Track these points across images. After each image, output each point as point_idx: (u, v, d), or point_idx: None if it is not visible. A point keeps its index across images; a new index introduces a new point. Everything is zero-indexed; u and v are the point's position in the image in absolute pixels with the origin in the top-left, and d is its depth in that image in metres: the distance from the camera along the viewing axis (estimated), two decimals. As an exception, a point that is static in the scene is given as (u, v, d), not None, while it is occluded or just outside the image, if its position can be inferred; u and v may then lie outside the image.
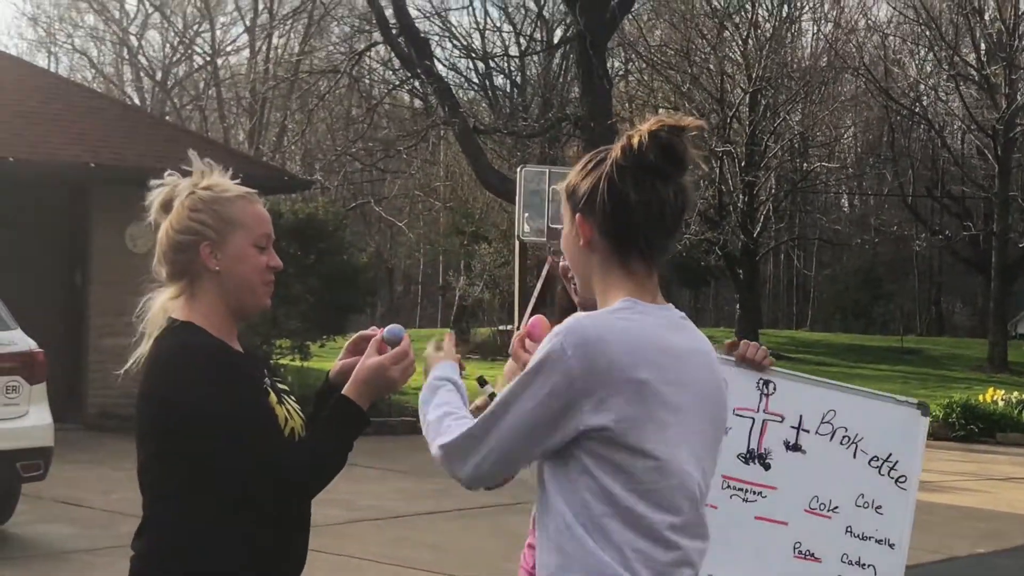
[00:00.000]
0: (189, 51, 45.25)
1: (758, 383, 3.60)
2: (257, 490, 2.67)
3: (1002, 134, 32.71)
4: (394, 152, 31.94)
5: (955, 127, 41.21)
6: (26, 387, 8.90)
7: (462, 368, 2.74)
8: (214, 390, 2.66)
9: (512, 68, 38.67)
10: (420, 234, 39.30)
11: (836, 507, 3.54)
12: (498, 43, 39.40)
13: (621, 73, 37.07)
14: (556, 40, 35.38)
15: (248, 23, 43.73)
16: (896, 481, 3.48)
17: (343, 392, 2.80)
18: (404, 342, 2.84)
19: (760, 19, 34.58)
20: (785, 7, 35.67)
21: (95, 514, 10.02)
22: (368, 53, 32.78)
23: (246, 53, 44.41)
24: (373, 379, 2.80)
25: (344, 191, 39.50)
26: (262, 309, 2.89)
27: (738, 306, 35.10)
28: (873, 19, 39.54)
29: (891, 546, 3.43)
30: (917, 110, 38.01)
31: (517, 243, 18.41)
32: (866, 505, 3.48)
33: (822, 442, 3.56)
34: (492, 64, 37.31)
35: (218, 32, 44.52)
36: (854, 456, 3.49)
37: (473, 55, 36.45)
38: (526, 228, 16.91)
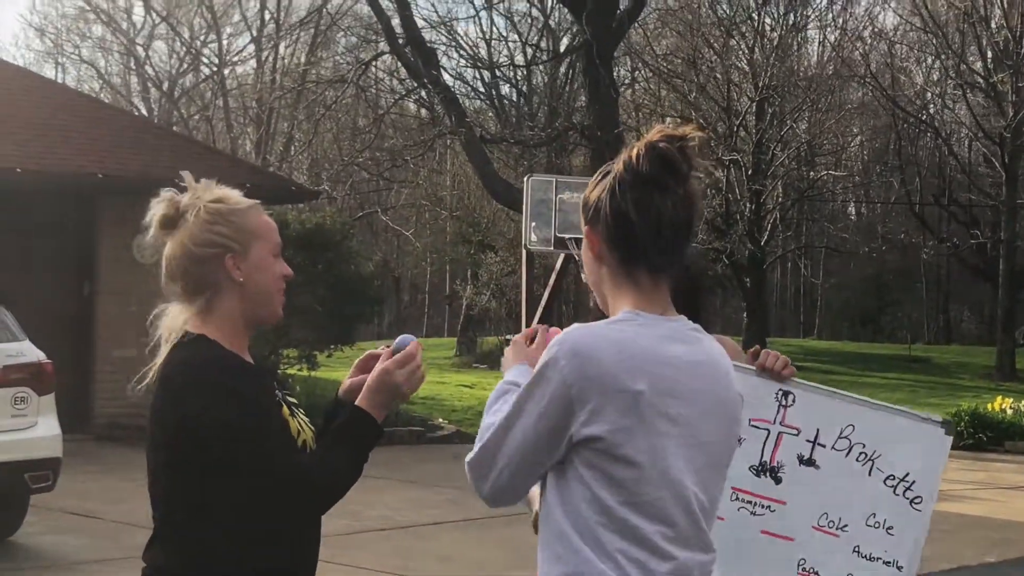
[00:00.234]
0: (196, 61, 45.35)
1: (777, 394, 3.53)
2: (272, 503, 2.67)
3: (1009, 142, 32.68)
4: (401, 161, 31.94)
5: (962, 135, 41.19)
6: (35, 398, 8.91)
7: None
8: (230, 403, 2.66)
9: (518, 77, 38.69)
10: (427, 243, 39.29)
11: (845, 525, 3.47)
12: (504, 53, 39.44)
13: (628, 82, 37.10)
14: (562, 49, 35.41)
15: (255, 33, 43.83)
16: (911, 502, 3.40)
17: (355, 403, 2.79)
18: (410, 347, 2.82)
19: (766, 27, 34.60)
20: (791, 15, 35.67)
21: (104, 525, 10.03)
22: (375, 63, 32.85)
23: (253, 63, 44.51)
24: (379, 386, 2.79)
25: (351, 200, 39.53)
26: (277, 319, 2.89)
27: (745, 315, 35.07)
28: (880, 27, 39.48)
29: (899, 568, 3.35)
30: (924, 118, 38.02)
31: (524, 252, 18.41)
32: (877, 525, 3.40)
33: (837, 457, 3.48)
34: (498, 73, 37.33)
35: (225, 42, 44.63)
36: (869, 473, 3.40)
37: (480, 65, 36.48)
38: (533, 237, 16.92)
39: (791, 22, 35.73)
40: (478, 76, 37.19)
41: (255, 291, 2.79)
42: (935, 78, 39.37)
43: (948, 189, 39.88)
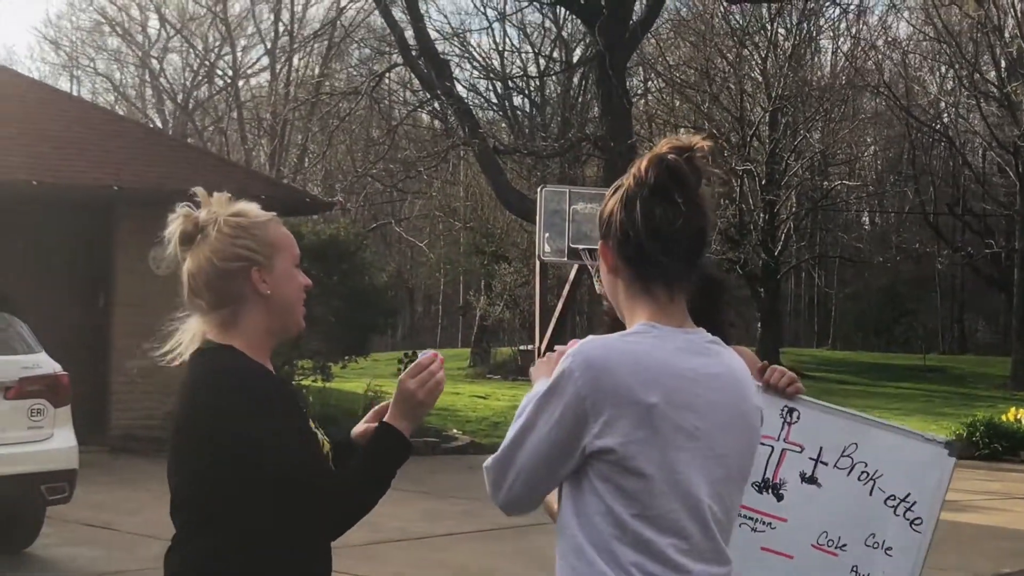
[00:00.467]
0: (210, 74, 45.50)
1: (782, 410, 3.52)
2: (297, 516, 2.68)
3: (1023, 151, 32.61)
4: (414, 173, 32.02)
5: (976, 144, 41.11)
6: (51, 410, 8.94)
7: None
8: (263, 414, 2.67)
9: (531, 88, 38.76)
10: (440, 254, 39.34)
11: (844, 544, 3.44)
12: (517, 64, 39.50)
13: (640, 92, 37.12)
14: (575, 60, 35.46)
15: (269, 45, 43.97)
16: (912, 523, 3.38)
17: (384, 419, 2.83)
18: (426, 358, 2.85)
19: (779, 38, 34.60)
20: (805, 25, 35.67)
21: (120, 536, 10.05)
22: (388, 75, 32.92)
23: (267, 75, 44.64)
24: (397, 397, 2.83)
25: (365, 212, 39.59)
26: (300, 329, 2.90)
27: (759, 325, 35.04)
28: (893, 36, 39.45)
29: None
30: (938, 128, 37.95)
31: (537, 263, 18.45)
32: (876, 545, 3.38)
33: (839, 476, 3.46)
34: (511, 85, 37.41)
35: (239, 54, 44.77)
36: (871, 493, 3.37)
37: (493, 76, 36.55)
38: (546, 248, 16.95)
39: (804, 32, 35.73)
40: (491, 87, 37.30)
41: (280, 303, 2.81)
42: (949, 88, 39.32)
43: (962, 198, 39.82)
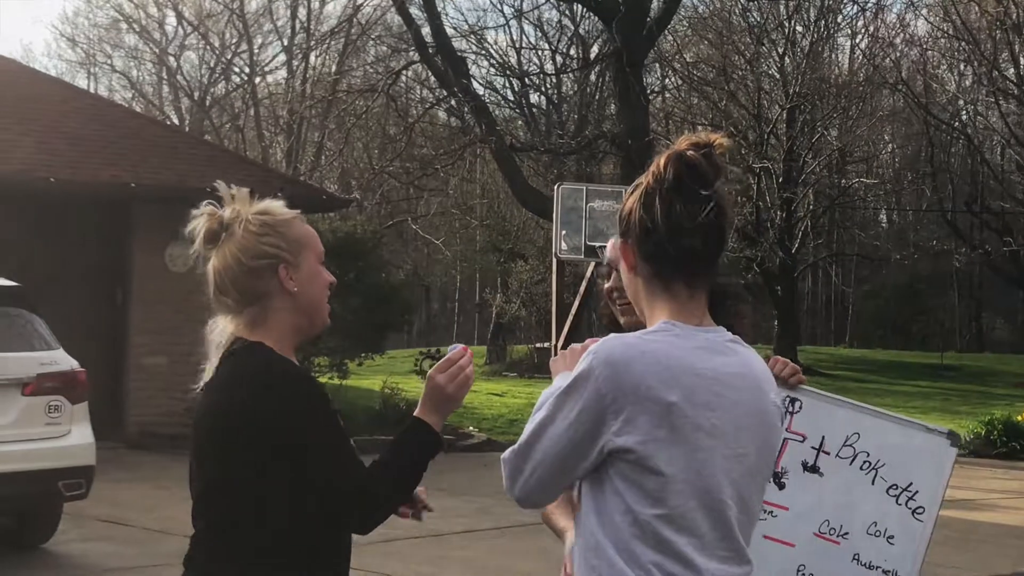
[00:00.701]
0: (227, 71, 45.60)
1: (784, 400, 3.52)
2: (331, 513, 2.71)
3: (1042, 149, 32.48)
4: (431, 170, 32.03)
5: (994, 142, 40.93)
6: (68, 406, 8.97)
7: None
8: (302, 411, 2.68)
9: (548, 86, 38.74)
10: (457, 252, 39.37)
11: (846, 533, 3.46)
12: (534, 61, 39.49)
13: (658, 90, 37.07)
14: (592, 57, 35.40)
15: (286, 43, 44.03)
16: (913, 512, 3.39)
17: (414, 414, 2.84)
18: (455, 352, 2.87)
19: (797, 35, 34.51)
20: (822, 22, 35.57)
21: (137, 532, 10.08)
22: (405, 72, 32.94)
23: (284, 72, 44.73)
24: (427, 392, 2.84)
25: (381, 209, 39.63)
26: (325, 326, 2.92)
27: (776, 323, 34.96)
28: (911, 34, 39.30)
29: None
30: (956, 125, 37.80)
31: (554, 260, 18.43)
32: (878, 534, 3.38)
33: (841, 465, 3.48)
34: (528, 82, 37.39)
35: (256, 51, 44.83)
36: (872, 483, 3.39)
37: (509, 73, 36.54)
38: (563, 245, 16.93)
39: (822, 29, 35.63)
40: (508, 85, 37.28)
41: (307, 300, 2.83)
42: (967, 85, 39.18)
43: (980, 196, 39.65)
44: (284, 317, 2.81)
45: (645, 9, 24.64)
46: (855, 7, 36.09)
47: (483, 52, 35.94)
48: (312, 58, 43.79)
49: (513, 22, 37.69)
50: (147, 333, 15.77)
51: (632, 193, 2.51)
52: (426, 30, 25.88)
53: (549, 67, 38.13)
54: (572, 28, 37.88)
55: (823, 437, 3.53)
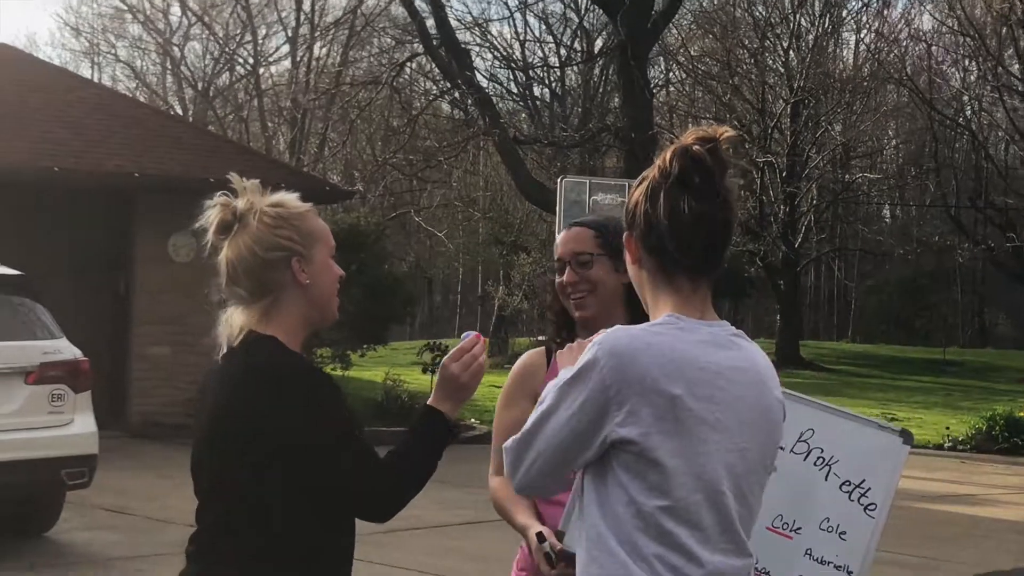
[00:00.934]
0: (231, 61, 45.57)
1: None
2: (354, 505, 2.75)
3: (1046, 145, 32.44)
4: (434, 162, 32.02)
5: (998, 138, 40.89)
6: (71, 395, 8.98)
7: None
8: (319, 405, 2.70)
9: (552, 79, 38.72)
10: (459, 244, 39.37)
11: (799, 528, 3.43)
12: (538, 53, 39.47)
13: (662, 83, 37.04)
14: (597, 50, 35.39)
15: (290, 34, 44.01)
16: (865, 508, 3.39)
17: (427, 403, 2.86)
18: (468, 341, 2.88)
19: (802, 29, 34.49)
20: (827, 17, 35.53)
21: (140, 521, 10.11)
22: (408, 64, 32.91)
23: (287, 63, 44.69)
24: (440, 380, 2.87)
25: (384, 201, 39.63)
26: (334, 320, 2.94)
27: (779, 317, 34.96)
28: (916, 29, 39.25)
29: (849, 573, 3.35)
30: (960, 121, 37.77)
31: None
32: (830, 529, 3.37)
33: (795, 461, 3.44)
34: (532, 75, 37.37)
35: (260, 42, 44.79)
36: (826, 478, 3.38)
37: (513, 66, 36.52)
38: (566, 238, 16.95)
39: (827, 24, 35.60)
40: (512, 77, 37.26)
41: (318, 293, 2.85)
42: (972, 80, 39.14)
43: (984, 192, 39.61)
44: (295, 310, 2.82)
45: (650, 2, 24.61)
46: (860, 2, 36.08)
47: (487, 44, 35.97)
48: (316, 49, 43.80)
49: (517, 14, 37.71)
50: (150, 323, 15.79)
51: (638, 186, 2.52)
52: (430, 22, 25.86)
53: (553, 60, 38.14)
54: (576, 21, 37.89)
55: None
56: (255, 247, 2.80)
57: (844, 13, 37.06)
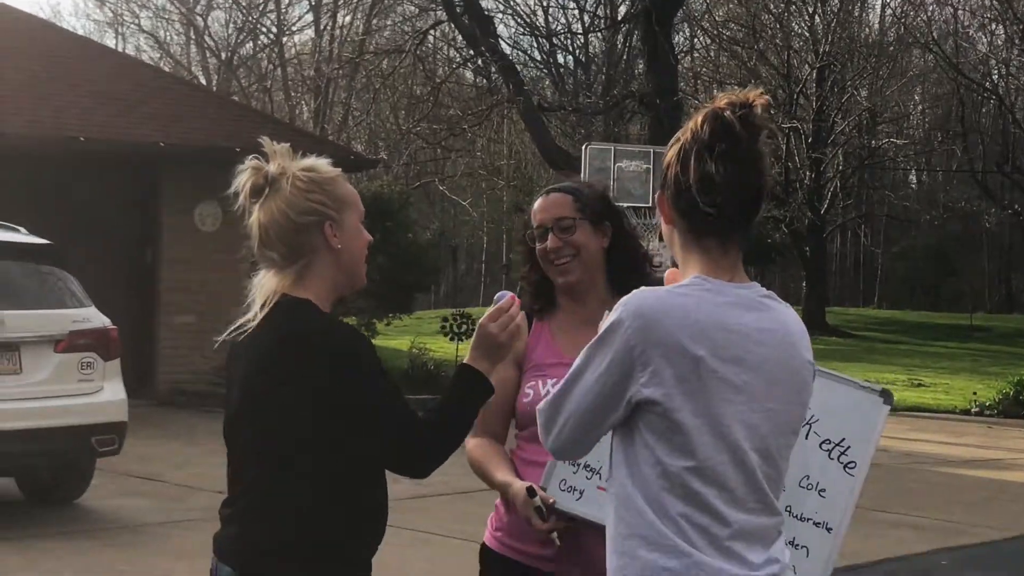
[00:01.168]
0: (254, 31, 45.52)
1: None
2: (395, 461, 2.80)
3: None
4: (458, 131, 31.95)
5: (1026, 102, 40.50)
6: (100, 363, 9.05)
7: None
8: (363, 367, 2.74)
9: (576, 45, 38.55)
10: (483, 213, 39.35)
11: None
12: (562, 20, 39.27)
13: (686, 49, 36.84)
14: (620, 16, 35.20)
15: (313, 2, 43.91)
16: (845, 467, 3.39)
17: (464, 362, 2.90)
18: (504, 301, 2.91)
19: (827, -7, 34.21)
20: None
21: (168, 488, 10.19)
22: (432, 32, 32.84)
23: (311, 32, 44.61)
24: (477, 340, 2.90)
25: (408, 170, 39.63)
26: (363, 284, 2.97)
27: (804, 283, 34.87)
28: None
29: (828, 529, 3.36)
30: (987, 85, 37.46)
31: (582, 221, 18.41)
32: (810, 487, 3.37)
33: None
34: (556, 41, 37.21)
35: (283, 11, 44.71)
36: (806, 437, 3.36)
37: (537, 32, 36.37)
38: (591, 206, 16.92)
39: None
40: (535, 44, 37.10)
41: (348, 258, 2.87)
42: (999, 44, 38.78)
43: (1011, 156, 39.29)
44: (327, 274, 2.85)
45: (674, -33, 24.45)
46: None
47: (510, 11, 35.82)
48: (339, 17, 43.68)
49: (541, -20, 37.47)
50: (177, 291, 15.87)
51: (671, 147, 2.54)
52: (454, -11, 25.75)
53: (577, 26, 37.92)
54: (600, -13, 37.60)
55: None
56: (288, 211, 2.81)
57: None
